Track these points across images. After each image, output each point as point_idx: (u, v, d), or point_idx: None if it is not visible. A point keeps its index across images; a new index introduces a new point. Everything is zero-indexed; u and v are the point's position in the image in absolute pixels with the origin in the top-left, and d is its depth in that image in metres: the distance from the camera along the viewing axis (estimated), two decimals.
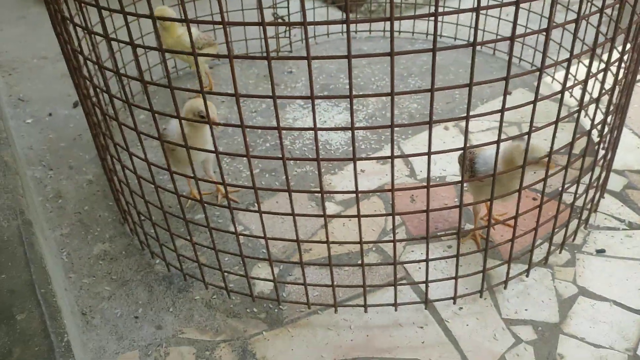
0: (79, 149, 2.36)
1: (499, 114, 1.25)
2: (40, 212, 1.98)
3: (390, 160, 1.23)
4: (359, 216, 1.35)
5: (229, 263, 1.74)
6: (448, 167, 2.15)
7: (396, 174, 2.12)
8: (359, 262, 1.71)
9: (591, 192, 1.79)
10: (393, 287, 1.52)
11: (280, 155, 1.22)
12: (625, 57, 1.65)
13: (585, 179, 1.77)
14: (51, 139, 2.44)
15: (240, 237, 1.83)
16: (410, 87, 2.72)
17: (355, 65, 2.93)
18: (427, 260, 1.42)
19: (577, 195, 1.59)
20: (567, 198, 1.83)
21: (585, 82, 1.43)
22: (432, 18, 1.11)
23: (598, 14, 1.29)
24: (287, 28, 3.06)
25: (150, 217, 1.58)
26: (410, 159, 2.21)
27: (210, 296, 1.63)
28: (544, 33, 1.17)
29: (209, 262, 1.72)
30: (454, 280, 1.50)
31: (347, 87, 2.85)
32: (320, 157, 1.21)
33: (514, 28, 1.14)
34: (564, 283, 1.60)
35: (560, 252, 1.69)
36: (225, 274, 1.58)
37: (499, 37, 3.01)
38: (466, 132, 1.23)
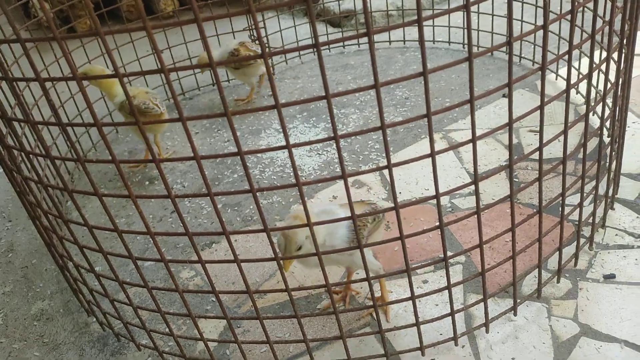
0: None
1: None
2: None
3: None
4: (318, 254, 1.10)
5: (174, 318, 1.52)
6: (432, 185, 1.87)
7: (372, 197, 1.86)
8: (319, 306, 1.48)
9: (598, 203, 1.48)
10: (351, 337, 1.27)
11: (249, 187, 0.98)
12: (625, 40, 1.37)
13: (588, 187, 1.48)
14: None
15: (189, 284, 1.62)
16: (397, 98, 2.47)
17: (340, 82, 2.71)
18: (412, 298, 1.14)
19: (577, 206, 1.29)
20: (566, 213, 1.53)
21: (589, 75, 1.16)
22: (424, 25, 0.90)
23: None
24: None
25: (92, 267, 1.37)
26: (389, 180, 1.95)
27: (145, 359, 1.41)
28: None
29: (149, 318, 1.51)
30: (428, 324, 1.23)
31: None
32: (292, 183, 0.97)
33: (510, 29, 0.93)
34: (562, 321, 1.29)
35: (558, 281, 1.39)
36: (162, 333, 1.37)
37: (494, 34, 2.74)
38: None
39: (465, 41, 2.81)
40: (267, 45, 2.84)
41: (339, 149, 0.95)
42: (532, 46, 2.55)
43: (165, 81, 0.86)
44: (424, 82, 0.93)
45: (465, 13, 0.90)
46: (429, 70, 0.94)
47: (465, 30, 2.78)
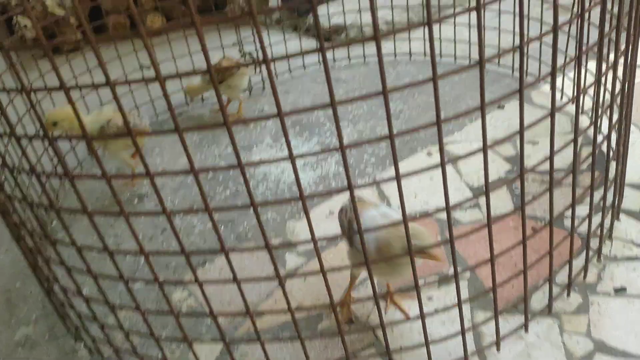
0: None
1: (487, 131, 0.96)
2: None
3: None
4: (323, 271, 1.04)
5: (166, 342, 1.44)
6: (432, 199, 1.83)
7: None
8: (319, 326, 1.41)
9: (605, 214, 1.44)
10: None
11: (242, 204, 0.92)
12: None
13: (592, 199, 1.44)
14: None
15: (184, 306, 1.55)
16: (391, 111, 2.43)
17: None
18: (422, 317, 1.08)
19: (583, 218, 1.25)
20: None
21: (597, 83, 1.14)
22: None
23: (600, 7, 1.03)
24: (257, 65, 2.84)
25: (80, 290, 1.30)
26: (386, 194, 1.90)
27: None
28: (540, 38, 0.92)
29: (140, 343, 1.43)
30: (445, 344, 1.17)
31: (321, 120, 2.60)
32: (286, 199, 0.92)
33: (521, 32, 0.90)
34: (575, 337, 1.24)
35: (568, 296, 1.34)
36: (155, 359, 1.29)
37: (486, 47, 2.72)
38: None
39: (457, 54, 2.79)
40: (256, 57, 2.80)
41: (344, 159, 0.90)
42: (526, 58, 2.54)
43: (162, 92, 0.81)
44: (434, 88, 0.89)
45: (476, 14, 0.87)
46: (439, 76, 0.90)
47: (456, 42, 2.77)
